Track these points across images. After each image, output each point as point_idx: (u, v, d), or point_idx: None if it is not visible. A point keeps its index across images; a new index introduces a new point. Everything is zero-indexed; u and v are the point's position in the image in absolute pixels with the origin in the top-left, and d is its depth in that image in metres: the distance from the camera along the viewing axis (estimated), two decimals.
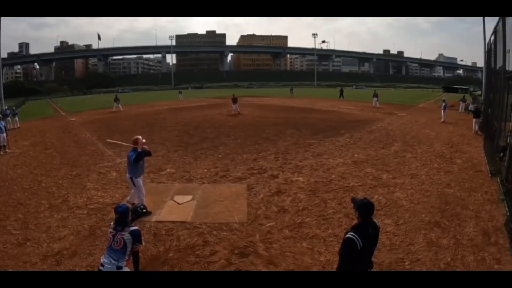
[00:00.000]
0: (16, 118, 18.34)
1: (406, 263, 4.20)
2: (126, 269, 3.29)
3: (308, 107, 24.72)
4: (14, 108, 20.13)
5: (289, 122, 16.42)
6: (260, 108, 24.36)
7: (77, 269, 4.12)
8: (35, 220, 5.66)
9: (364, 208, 2.78)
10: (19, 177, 8.39)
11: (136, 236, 3.30)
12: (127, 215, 3.38)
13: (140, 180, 5.70)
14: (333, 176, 7.73)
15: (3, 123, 12.09)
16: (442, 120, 16.44)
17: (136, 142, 5.64)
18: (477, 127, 13.48)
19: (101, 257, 3.34)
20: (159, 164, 9.04)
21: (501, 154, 8.01)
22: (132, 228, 3.30)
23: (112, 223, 3.42)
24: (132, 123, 17.63)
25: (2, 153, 11.13)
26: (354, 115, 19.51)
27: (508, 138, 7.19)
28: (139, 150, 5.53)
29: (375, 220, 2.86)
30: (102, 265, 3.27)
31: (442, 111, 16.82)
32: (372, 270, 2.99)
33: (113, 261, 3.21)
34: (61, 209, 6.12)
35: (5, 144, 11.48)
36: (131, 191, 5.96)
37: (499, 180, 6.97)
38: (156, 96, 45.33)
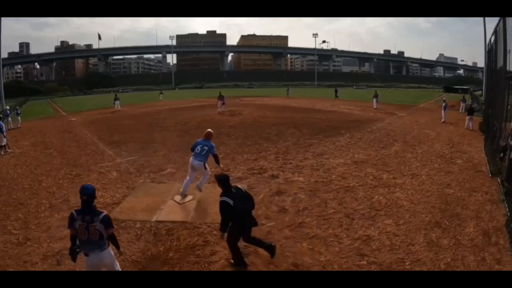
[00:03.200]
0: (19, 117, 18.47)
1: (407, 263, 4.19)
2: (109, 248, 3.34)
3: (309, 107, 24.71)
4: (17, 107, 20.22)
5: (289, 122, 16.41)
6: (260, 108, 24.34)
7: (77, 269, 4.12)
8: (36, 220, 5.66)
9: (223, 180, 4.08)
10: (19, 176, 8.40)
11: (108, 222, 3.23)
12: (94, 197, 3.27)
13: None
14: (334, 176, 7.73)
15: (2, 123, 12.11)
16: (442, 120, 16.47)
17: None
18: (471, 124, 14.30)
19: (80, 249, 3.29)
20: (159, 164, 9.05)
21: (502, 154, 8.01)
22: (101, 216, 3.20)
23: (75, 212, 3.24)
24: (133, 123, 17.64)
25: (2, 153, 11.15)
26: (355, 115, 19.50)
27: (509, 138, 7.18)
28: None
29: (235, 185, 4.19)
30: (87, 254, 3.25)
31: (443, 111, 16.86)
32: (371, 270, 2.99)
33: (95, 249, 3.24)
34: (61, 208, 6.11)
35: (5, 144, 11.50)
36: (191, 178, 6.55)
37: (499, 180, 6.97)
38: (144, 96, 44.94)
